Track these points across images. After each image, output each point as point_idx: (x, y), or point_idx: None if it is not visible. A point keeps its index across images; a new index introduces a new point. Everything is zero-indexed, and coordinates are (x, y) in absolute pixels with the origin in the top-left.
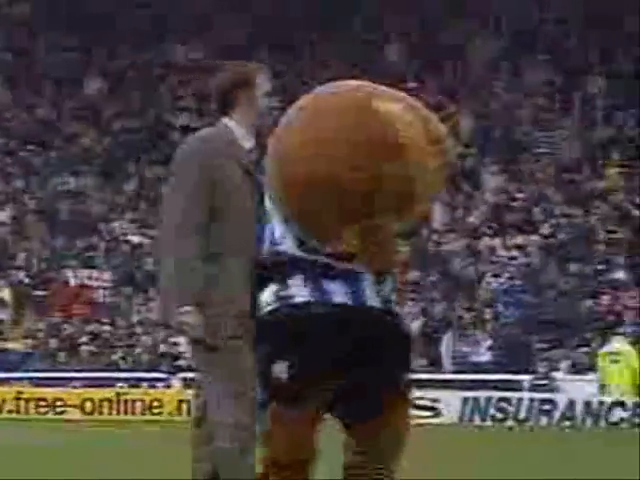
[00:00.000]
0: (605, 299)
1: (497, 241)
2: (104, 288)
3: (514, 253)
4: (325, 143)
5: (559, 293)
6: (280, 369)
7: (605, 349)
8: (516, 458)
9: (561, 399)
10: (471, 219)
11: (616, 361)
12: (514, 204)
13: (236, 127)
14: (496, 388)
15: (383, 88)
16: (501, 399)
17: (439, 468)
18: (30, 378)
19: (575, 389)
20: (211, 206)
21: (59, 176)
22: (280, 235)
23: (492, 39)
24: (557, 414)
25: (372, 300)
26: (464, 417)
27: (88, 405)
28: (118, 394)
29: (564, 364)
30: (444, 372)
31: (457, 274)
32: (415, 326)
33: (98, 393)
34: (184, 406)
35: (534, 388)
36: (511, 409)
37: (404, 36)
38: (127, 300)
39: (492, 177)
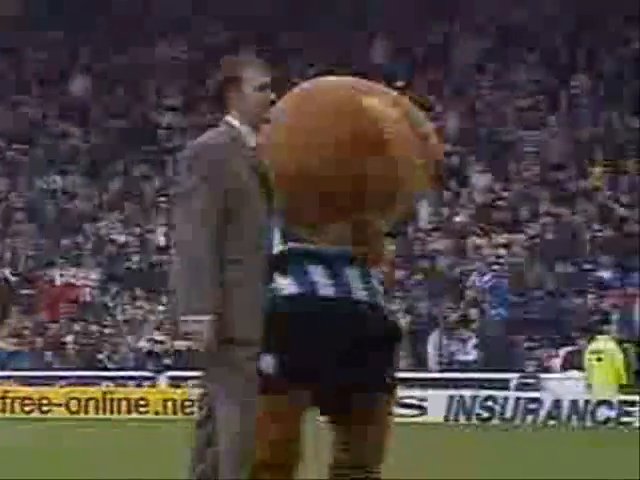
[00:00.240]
0: (591, 298)
1: (483, 240)
2: (90, 287)
3: (500, 252)
4: (309, 141)
5: (545, 292)
6: (267, 363)
7: (591, 348)
8: (502, 457)
9: (547, 398)
10: (457, 218)
11: (601, 360)
12: (500, 203)
13: (239, 125)
14: (482, 387)
15: (369, 84)
16: (487, 398)
17: (425, 467)
18: (16, 377)
19: (561, 388)
20: (225, 209)
21: (45, 175)
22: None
23: (478, 38)
24: (543, 413)
25: (359, 292)
26: (450, 416)
27: (74, 404)
28: (104, 393)
29: (550, 363)
30: (430, 371)
31: (443, 273)
32: (401, 324)
33: (84, 392)
34: (170, 405)
35: (520, 387)
36: (497, 408)
37: (390, 36)
38: (113, 299)
39: (478, 176)
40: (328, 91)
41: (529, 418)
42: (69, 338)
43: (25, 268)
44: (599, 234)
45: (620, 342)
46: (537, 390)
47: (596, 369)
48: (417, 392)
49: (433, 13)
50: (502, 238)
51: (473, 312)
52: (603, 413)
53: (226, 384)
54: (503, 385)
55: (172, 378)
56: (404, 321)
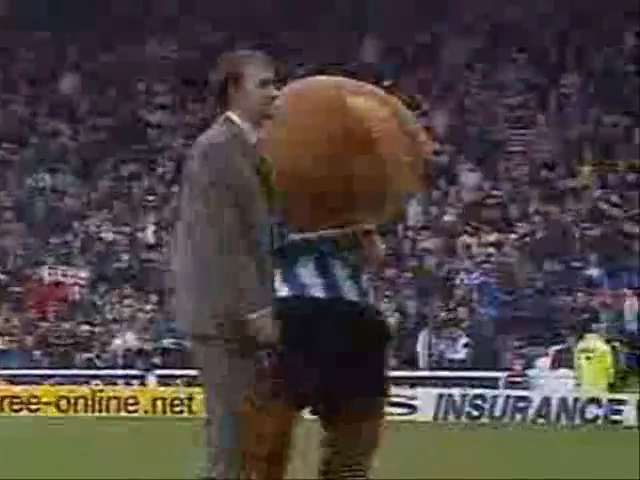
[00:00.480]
0: (580, 296)
1: (472, 239)
2: (79, 285)
3: (489, 250)
4: (297, 140)
5: (534, 290)
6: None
7: (580, 346)
8: (491, 455)
9: (536, 396)
10: (447, 217)
11: (591, 358)
12: (489, 202)
13: (239, 120)
14: (471, 385)
15: (357, 83)
16: (476, 396)
17: (414, 466)
18: (5, 375)
19: (550, 386)
20: (235, 208)
21: (35, 173)
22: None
23: (467, 38)
24: (532, 411)
25: (349, 293)
26: (439, 414)
27: (63, 403)
28: (93, 391)
29: (539, 361)
30: (419, 369)
31: (432, 271)
32: (390, 323)
33: (73, 390)
34: (159, 403)
35: (509, 385)
36: (486, 406)
37: (379, 35)
38: (102, 297)
39: (467, 175)
40: (315, 90)
41: (518, 416)
42: (58, 336)
43: (14, 266)
44: (588, 233)
45: (609, 341)
46: (526, 388)
47: (585, 368)
48: (407, 391)
49: (422, 13)
50: (491, 237)
51: (462, 311)
52: (592, 411)
53: (223, 383)
54: (492, 383)
55: (161, 377)
56: (393, 320)
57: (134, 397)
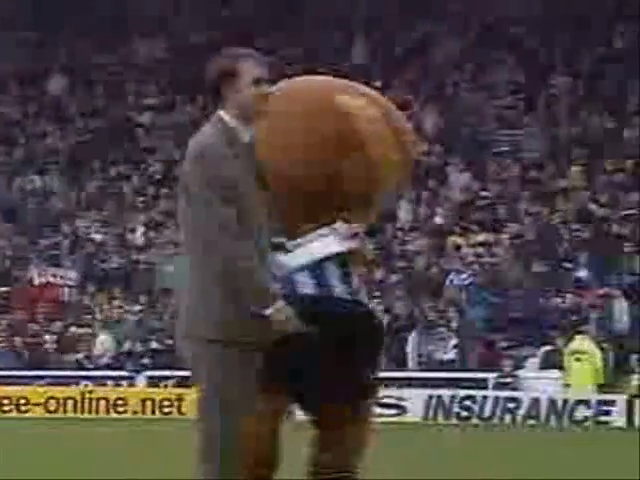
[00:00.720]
0: (569, 297)
1: (462, 239)
2: (68, 286)
3: (479, 251)
4: (286, 141)
5: (524, 291)
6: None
7: (569, 348)
8: (480, 456)
9: (525, 397)
10: (436, 217)
11: (580, 359)
12: (479, 202)
13: (231, 120)
14: (461, 386)
15: (347, 83)
16: (466, 397)
17: (403, 466)
18: None
19: (539, 387)
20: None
21: (24, 174)
22: None
23: (456, 38)
24: (521, 412)
25: (341, 291)
26: (429, 415)
27: (52, 403)
28: (82, 392)
29: (529, 362)
30: (409, 370)
31: (422, 272)
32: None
33: (62, 391)
34: (149, 404)
35: (499, 386)
36: (476, 407)
37: (369, 36)
38: (91, 298)
39: (457, 175)
40: (304, 90)
41: (507, 417)
42: (47, 337)
43: (3, 267)
44: (578, 233)
45: (598, 342)
46: (515, 389)
47: (575, 369)
48: (396, 392)
49: (412, 13)
50: (481, 237)
51: (452, 311)
52: (581, 412)
53: (216, 384)
54: (482, 384)
55: (151, 378)
56: (383, 321)
57: (123, 398)
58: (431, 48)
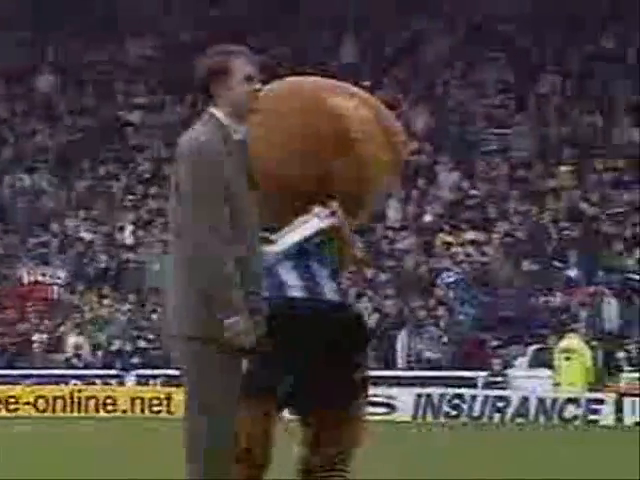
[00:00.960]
0: (559, 296)
1: (451, 238)
2: (58, 285)
3: (468, 250)
4: (275, 142)
5: (513, 290)
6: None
7: (560, 346)
8: (470, 455)
9: (515, 396)
10: (426, 216)
11: (569, 358)
12: (468, 201)
13: (224, 117)
14: (450, 385)
15: (337, 83)
16: (455, 396)
17: (393, 465)
18: None
19: (529, 386)
20: (226, 209)
21: (13, 173)
22: None
23: (446, 37)
24: (510, 411)
25: (329, 294)
26: (418, 414)
27: (41, 402)
28: (71, 391)
29: (518, 361)
30: (398, 369)
31: (411, 271)
32: (369, 323)
33: (51, 390)
34: (138, 403)
35: (488, 385)
36: (465, 406)
37: (358, 35)
38: (81, 297)
39: (446, 174)
40: (294, 91)
41: (497, 416)
42: (36, 336)
43: None
44: (567, 232)
45: (588, 340)
46: (505, 388)
47: (565, 367)
48: (385, 390)
49: (401, 12)
50: (470, 236)
51: (441, 310)
52: (570, 411)
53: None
54: (471, 383)
55: (140, 377)
56: (372, 320)
57: (112, 397)
58: (421, 47)
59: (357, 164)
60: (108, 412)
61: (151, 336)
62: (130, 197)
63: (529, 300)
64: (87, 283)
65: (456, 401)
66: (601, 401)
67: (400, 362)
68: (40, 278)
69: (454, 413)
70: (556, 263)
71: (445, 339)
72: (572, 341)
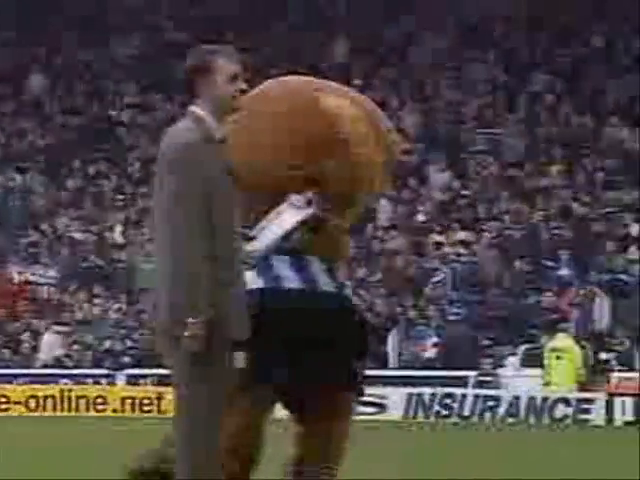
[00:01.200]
0: (550, 296)
1: (442, 238)
2: (48, 285)
3: (459, 250)
4: (267, 142)
5: (504, 290)
6: (235, 357)
7: (550, 345)
8: (460, 454)
9: (505, 395)
10: (416, 216)
11: (560, 358)
12: (459, 201)
13: (206, 116)
14: (441, 384)
15: (328, 83)
16: (446, 395)
17: (383, 464)
18: None
19: (519, 385)
20: (208, 209)
21: (3, 173)
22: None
23: (437, 37)
24: (501, 410)
25: (326, 285)
26: (409, 413)
27: (32, 402)
28: (62, 391)
29: (509, 360)
30: (389, 368)
31: (402, 271)
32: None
33: (42, 390)
34: (128, 403)
35: (479, 384)
36: (455, 405)
37: (349, 34)
38: (71, 296)
39: (437, 174)
40: (286, 91)
41: (487, 415)
42: (27, 336)
43: None
44: (558, 232)
45: (578, 340)
46: (495, 388)
47: (555, 367)
48: (376, 390)
49: (391, 12)
50: (461, 236)
51: (432, 310)
52: (561, 410)
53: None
54: (462, 383)
55: (130, 376)
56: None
57: (103, 396)
58: (411, 47)
59: (348, 165)
60: (99, 412)
61: (142, 335)
62: (120, 196)
63: (520, 299)
64: (78, 282)
65: (447, 400)
66: (591, 401)
67: (391, 361)
68: (31, 277)
69: (445, 412)
70: (547, 263)
71: (436, 338)
72: (563, 341)
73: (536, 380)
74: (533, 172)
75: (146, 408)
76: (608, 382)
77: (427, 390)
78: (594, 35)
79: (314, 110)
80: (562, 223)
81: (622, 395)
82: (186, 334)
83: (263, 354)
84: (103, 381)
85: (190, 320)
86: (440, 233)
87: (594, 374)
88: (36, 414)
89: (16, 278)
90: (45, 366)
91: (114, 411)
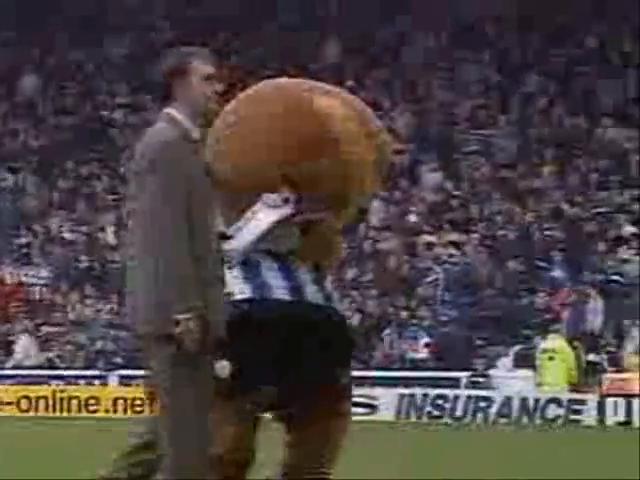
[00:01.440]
0: (542, 296)
1: (434, 238)
2: (40, 285)
3: (451, 250)
4: (259, 143)
5: (496, 290)
6: (221, 367)
7: (543, 346)
8: (452, 455)
9: (498, 396)
10: (408, 217)
11: (553, 358)
12: (451, 202)
13: (182, 118)
14: (433, 385)
15: (319, 84)
16: (438, 396)
17: (375, 466)
18: None
19: (512, 386)
20: (188, 209)
21: None
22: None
23: (429, 37)
24: (493, 411)
25: (314, 296)
26: (401, 414)
27: (24, 403)
28: (54, 391)
29: (501, 361)
30: (381, 369)
31: (394, 272)
32: (352, 323)
33: (34, 390)
34: (120, 403)
35: (471, 385)
36: (448, 406)
37: (342, 35)
38: (63, 297)
39: (429, 175)
40: (278, 92)
41: (480, 416)
42: (19, 336)
43: None
44: (550, 232)
45: (571, 341)
46: (488, 388)
47: (548, 368)
48: (368, 390)
49: (384, 13)
50: (453, 237)
51: (424, 310)
52: (553, 411)
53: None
54: (454, 383)
55: (123, 377)
56: (355, 320)
57: (95, 397)
58: (404, 48)
59: (340, 165)
60: (91, 412)
61: (134, 336)
62: (113, 197)
63: (512, 300)
64: (70, 283)
65: (439, 401)
66: (583, 401)
67: (383, 362)
68: (23, 278)
69: (437, 413)
70: (540, 263)
71: (428, 339)
72: (555, 341)
73: (528, 381)
74: (526, 173)
75: (138, 409)
76: (600, 383)
77: (419, 391)
78: (588, 36)
79: (306, 110)
80: (555, 224)
81: (614, 396)
82: (178, 331)
83: (250, 365)
84: (95, 382)
85: (183, 316)
86: (432, 234)
87: (586, 375)
88: (28, 415)
89: (8, 279)
90: (39, 367)
91: (106, 412)
